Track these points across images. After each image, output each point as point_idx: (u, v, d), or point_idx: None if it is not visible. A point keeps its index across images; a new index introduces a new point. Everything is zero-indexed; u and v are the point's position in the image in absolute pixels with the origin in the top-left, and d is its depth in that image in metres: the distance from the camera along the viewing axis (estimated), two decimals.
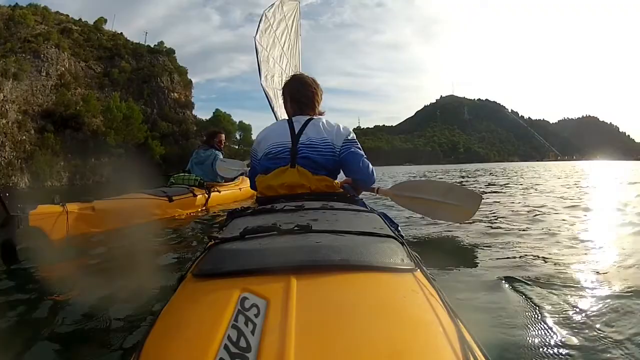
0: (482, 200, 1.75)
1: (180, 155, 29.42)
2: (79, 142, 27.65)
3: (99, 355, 1.00)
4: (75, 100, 29.91)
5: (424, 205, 1.95)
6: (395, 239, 0.72)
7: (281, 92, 1.80)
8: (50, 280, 1.62)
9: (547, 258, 1.76)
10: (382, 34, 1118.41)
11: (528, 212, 3.30)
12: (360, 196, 1.53)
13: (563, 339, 0.99)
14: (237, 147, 41.29)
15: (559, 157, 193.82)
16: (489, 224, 2.71)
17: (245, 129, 46.78)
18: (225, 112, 44.24)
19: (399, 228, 1.18)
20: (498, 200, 4.30)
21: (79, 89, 32.28)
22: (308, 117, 1.57)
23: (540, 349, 0.95)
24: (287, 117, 1.66)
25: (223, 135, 4.45)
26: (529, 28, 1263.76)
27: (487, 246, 2.04)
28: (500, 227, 2.57)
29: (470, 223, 2.62)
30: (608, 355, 0.92)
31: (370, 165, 1.58)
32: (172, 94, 41.86)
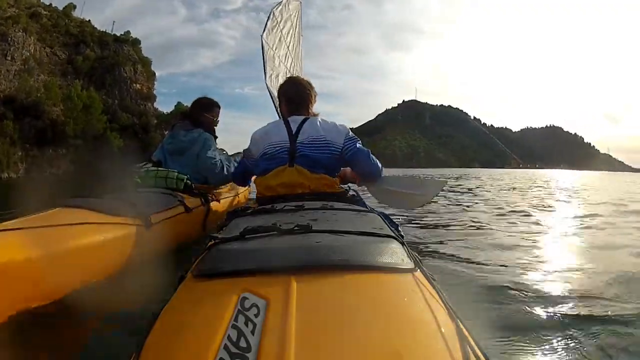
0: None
1: (140, 149, 28.63)
2: (37, 131, 26.47)
3: (98, 355, 0.98)
4: (37, 86, 28.90)
5: (399, 198, 1.84)
6: (395, 239, 0.72)
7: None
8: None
9: (546, 259, 1.82)
10: (347, 37, 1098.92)
11: (526, 214, 3.45)
12: (361, 194, 1.54)
13: (563, 339, 1.00)
14: None
15: (520, 165, 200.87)
16: (489, 226, 2.79)
17: None
18: (187, 106, 44.51)
19: (399, 228, 1.14)
20: (495, 203, 4.32)
21: (42, 76, 31.27)
22: (304, 116, 1.58)
23: (540, 349, 0.96)
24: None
25: (219, 110, 2.71)
26: (493, 37, 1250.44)
27: (487, 246, 2.10)
28: (500, 229, 2.64)
29: (470, 224, 2.75)
30: (608, 354, 0.94)
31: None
32: (135, 85, 40.71)
